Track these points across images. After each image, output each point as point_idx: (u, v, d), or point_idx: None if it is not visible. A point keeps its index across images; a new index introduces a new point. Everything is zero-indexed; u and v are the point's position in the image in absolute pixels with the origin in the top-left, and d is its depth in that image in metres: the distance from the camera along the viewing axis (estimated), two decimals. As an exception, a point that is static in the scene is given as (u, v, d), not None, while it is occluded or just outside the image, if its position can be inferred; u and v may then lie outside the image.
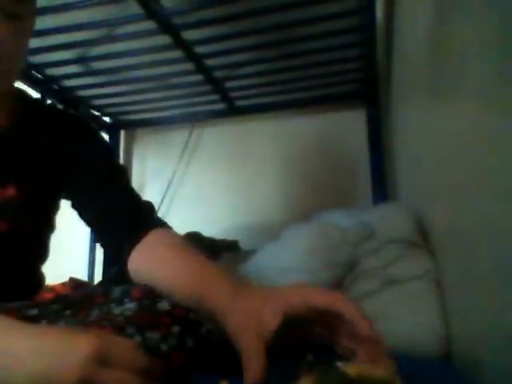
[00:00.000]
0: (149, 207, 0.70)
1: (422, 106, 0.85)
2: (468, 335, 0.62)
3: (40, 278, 0.77)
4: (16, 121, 0.70)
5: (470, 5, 0.53)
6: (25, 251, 0.72)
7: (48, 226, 0.76)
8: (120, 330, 0.48)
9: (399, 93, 1.17)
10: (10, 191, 0.66)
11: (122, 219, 0.66)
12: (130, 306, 0.53)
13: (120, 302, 0.54)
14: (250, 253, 1.11)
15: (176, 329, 0.51)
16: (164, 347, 0.49)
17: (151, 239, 0.63)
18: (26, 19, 0.64)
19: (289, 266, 0.86)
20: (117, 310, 0.52)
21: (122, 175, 0.74)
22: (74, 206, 0.72)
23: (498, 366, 0.49)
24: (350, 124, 1.60)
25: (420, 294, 0.78)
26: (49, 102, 1.43)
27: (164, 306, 0.53)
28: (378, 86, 1.48)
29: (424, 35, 0.79)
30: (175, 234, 0.66)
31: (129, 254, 0.63)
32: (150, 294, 0.55)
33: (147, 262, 0.61)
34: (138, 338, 0.48)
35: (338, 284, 0.86)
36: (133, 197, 0.70)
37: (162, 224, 0.68)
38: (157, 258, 0.60)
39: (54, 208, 0.77)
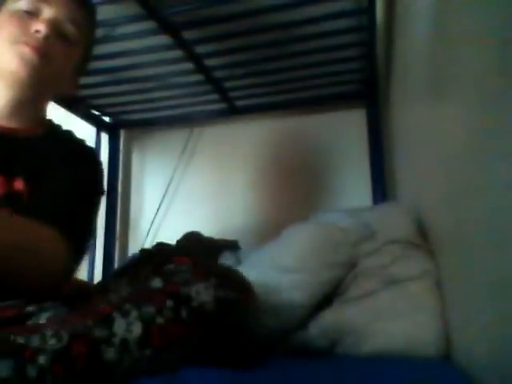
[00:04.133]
0: (78, 230, 0.74)
1: (422, 105, 0.85)
2: (468, 335, 0.62)
3: None
4: (44, 133, 0.82)
5: (470, 4, 0.53)
6: None
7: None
8: (117, 307, 0.52)
9: (399, 93, 1.17)
10: (18, 184, 0.73)
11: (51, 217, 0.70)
12: (125, 290, 0.59)
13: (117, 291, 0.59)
14: (250, 253, 1.12)
15: (170, 303, 0.54)
16: (160, 320, 0.53)
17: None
18: (77, 46, 0.80)
19: (289, 265, 0.86)
20: (113, 296, 0.57)
21: (91, 202, 0.81)
22: None
23: (498, 366, 0.49)
24: (350, 124, 1.60)
25: (420, 294, 0.79)
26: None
27: (156, 283, 0.58)
28: (378, 86, 1.48)
29: (424, 35, 0.79)
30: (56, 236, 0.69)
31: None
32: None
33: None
34: (134, 313, 0.51)
35: (338, 284, 0.86)
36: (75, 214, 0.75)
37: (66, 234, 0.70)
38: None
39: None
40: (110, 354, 0.48)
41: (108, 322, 0.50)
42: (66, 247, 0.68)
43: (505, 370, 0.47)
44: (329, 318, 0.82)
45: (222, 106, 1.63)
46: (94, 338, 0.48)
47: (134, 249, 1.71)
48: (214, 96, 1.55)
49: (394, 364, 0.70)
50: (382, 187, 1.47)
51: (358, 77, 1.47)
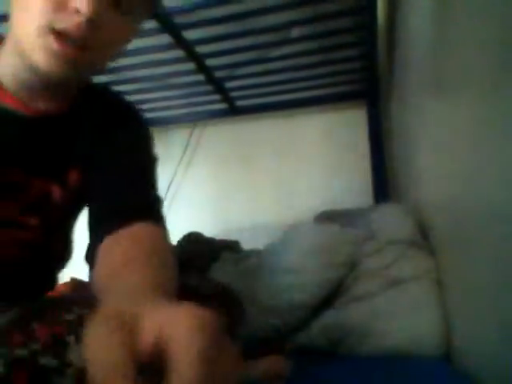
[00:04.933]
0: (152, 201, 0.62)
1: (424, 105, 0.85)
2: (468, 335, 0.62)
3: (54, 281, 0.74)
4: (70, 108, 0.63)
5: (472, 2, 0.53)
6: (50, 250, 0.67)
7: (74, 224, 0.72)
8: (71, 329, 0.40)
9: (400, 92, 1.17)
10: (52, 187, 0.61)
11: (114, 204, 0.59)
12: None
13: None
14: (250, 253, 1.11)
15: None
16: None
17: (129, 230, 0.54)
18: (131, 18, 0.56)
19: (289, 266, 0.86)
20: (75, 309, 0.44)
21: (145, 167, 0.66)
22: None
23: (497, 365, 0.49)
24: (351, 124, 1.60)
25: (420, 294, 0.78)
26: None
27: None
28: (379, 85, 1.48)
29: (425, 34, 0.79)
30: (159, 234, 0.57)
31: (101, 238, 0.54)
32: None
33: (103, 252, 0.53)
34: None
35: (339, 284, 0.86)
36: (140, 187, 0.62)
37: (156, 220, 0.58)
38: (111, 252, 0.52)
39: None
40: None
41: (59, 347, 0.38)
42: (166, 234, 0.57)
43: (504, 370, 0.47)
44: (330, 318, 0.82)
45: (223, 106, 1.63)
46: (39, 366, 0.37)
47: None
48: (215, 96, 1.55)
49: (395, 363, 0.70)
50: (383, 187, 1.47)
51: (358, 76, 1.46)
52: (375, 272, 0.85)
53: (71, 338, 0.39)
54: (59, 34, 0.50)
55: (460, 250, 0.64)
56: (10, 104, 0.58)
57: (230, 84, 1.48)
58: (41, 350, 0.37)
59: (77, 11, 0.49)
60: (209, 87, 1.47)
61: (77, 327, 0.40)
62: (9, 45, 0.57)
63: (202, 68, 1.32)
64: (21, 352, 0.36)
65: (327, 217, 1.08)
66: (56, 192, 0.62)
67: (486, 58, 0.48)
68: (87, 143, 0.64)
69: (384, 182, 1.47)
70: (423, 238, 0.88)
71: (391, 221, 0.93)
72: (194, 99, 1.60)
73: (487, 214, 0.50)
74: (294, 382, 0.60)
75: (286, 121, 1.70)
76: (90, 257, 0.55)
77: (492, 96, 0.47)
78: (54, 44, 0.50)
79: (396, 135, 1.29)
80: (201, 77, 1.39)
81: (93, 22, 0.50)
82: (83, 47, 0.52)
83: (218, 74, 1.40)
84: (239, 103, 1.63)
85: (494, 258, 0.49)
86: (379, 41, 1.25)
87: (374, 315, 0.79)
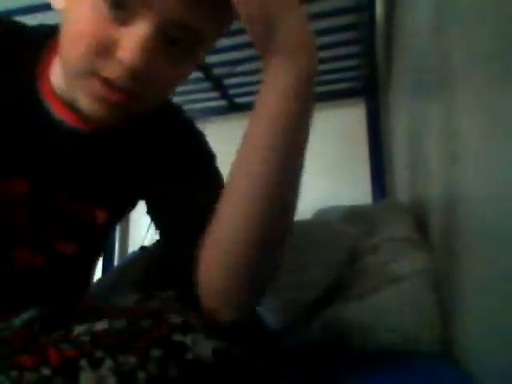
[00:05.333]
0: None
1: (423, 102, 0.85)
2: (467, 333, 0.62)
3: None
4: (132, 125, 0.55)
5: (471, 0, 0.53)
6: (78, 275, 0.64)
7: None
8: (84, 353, 0.38)
9: (399, 90, 1.17)
10: (99, 214, 0.56)
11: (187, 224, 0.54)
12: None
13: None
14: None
15: (157, 352, 0.39)
16: (141, 375, 0.37)
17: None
18: (194, 50, 0.48)
19: (288, 263, 0.86)
20: (82, 329, 0.41)
21: (207, 189, 0.59)
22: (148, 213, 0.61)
23: (497, 363, 0.49)
24: (350, 121, 1.60)
25: (419, 291, 0.78)
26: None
27: (145, 323, 0.41)
28: (378, 82, 1.48)
29: (424, 32, 0.79)
30: None
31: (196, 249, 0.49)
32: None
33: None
34: (108, 363, 0.37)
35: (338, 282, 0.86)
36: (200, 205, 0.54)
37: None
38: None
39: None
40: None
41: (71, 372, 0.36)
42: None
43: (504, 368, 0.47)
44: (329, 315, 0.82)
45: (221, 103, 1.63)
46: None
47: (133, 246, 1.71)
48: (214, 93, 1.55)
49: (392, 361, 0.70)
50: (381, 184, 1.47)
51: (357, 74, 1.46)
52: (374, 269, 0.85)
53: (83, 362, 0.37)
54: (105, 80, 0.44)
55: (460, 248, 0.64)
56: (61, 115, 0.52)
57: (228, 81, 1.48)
58: (51, 375, 0.35)
59: (121, 61, 0.43)
60: (208, 84, 1.47)
61: (90, 349, 0.38)
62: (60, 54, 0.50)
63: (200, 65, 1.32)
64: (31, 377, 0.35)
65: (325, 214, 1.08)
66: (101, 216, 0.57)
67: (488, 56, 0.48)
68: (147, 171, 0.58)
69: (383, 179, 1.48)
70: (422, 234, 0.88)
71: (390, 218, 0.94)
72: (193, 96, 1.60)
73: (487, 213, 0.50)
74: (293, 379, 0.60)
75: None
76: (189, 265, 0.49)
77: (492, 95, 0.47)
78: (98, 89, 0.45)
79: (394, 132, 1.29)
80: (199, 74, 1.39)
81: (139, 73, 0.44)
82: (131, 95, 0.46)
83: (217, 71, 1.40)
84: (238, 100, 1.63)
85: (493, 256, 0.49)
86: (378, 38, 1.25)
87: (373, 312, 0.79)
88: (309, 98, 0.47)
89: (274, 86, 0.45)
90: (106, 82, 0.44)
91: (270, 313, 0.83)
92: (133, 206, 0.64)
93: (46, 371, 0.35)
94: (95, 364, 0.36)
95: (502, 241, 0.46)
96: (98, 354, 0.37)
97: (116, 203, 0.58)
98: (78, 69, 0.45)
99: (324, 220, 0.97)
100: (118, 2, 0.42)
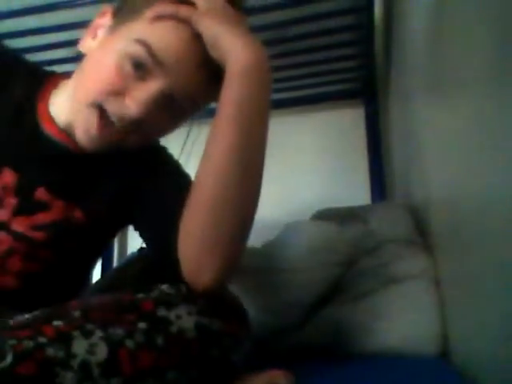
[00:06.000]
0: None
1: (422, 103, 0.85)
2: (466, 334, 0.62)
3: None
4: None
5: (470, 0, 0.53)
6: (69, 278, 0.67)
7: (101, 252, 0.73)
8: (76, 326, 0.42)
9: (398, 91, 1.17)
10: (77, 214, 0.61)
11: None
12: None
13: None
14: (248, 251, 1.11)
15: (142, 325, 0.45)
16: (130, 343, 0.43)
17: None
18: (189, 112, 0.63)
19: (286, 264, 0.86)
20: (76, 313, 0.45)
21: (180, 190, 0.63)
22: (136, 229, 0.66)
23: (496, 365, 0.49)
24: (349, 122, 1.60)
25: (418, 293, 0.78)
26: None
27: (131, 301, 0.48)
28: (377, 84, 1.48)
29: (423, 33, 0.79)
30: None
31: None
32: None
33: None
34: (98, 333, 0.42)
35: (337, 283, 0.86)
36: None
37: None
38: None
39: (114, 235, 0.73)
40: (67, 379, 0.38)
41: (65, 340, 0.40)
42: None
43: (503, 369, 0.47)
44: (327, 317, 0.82)
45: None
46: (46, 357, 0.38)
47: (132, 247, 1.71)
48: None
49: (392, 363, 0.70)
50: (380, 185, 1.47)
51: (356, 75, 1.46)
52: (373, 271, 0.85)
53: (76, 333, 0.41)
54: (103, 112, 0.53)
55: (459, 249, 0.64)
56: (57, 137, 0.59)
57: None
58: (47, 342, 0.39)
59: (128, 107, 0.52)
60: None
61: (82, 323, 0.43)
62: (70, 87, 0.58)
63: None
64: (28, 344, 0.38)
65: (324, 215, 1.07)
66: (77, 216, 0.61)
67: (487, 55, 0.48)
68: (119, 184, 0.64)
69: (381, 180, 1.47)
70: (421, 236, 0.88)
71: (389, 219, 0.93)
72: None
73: (487, 213, 0.50)
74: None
75: (283, 119, 1.69)
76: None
77: (492, 94, 0.47)
78: (94, 122, 0.53)
79: (393, 133, 1.29)
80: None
81: (140, 122, 0.54)
82: (125, 136, 0.55)
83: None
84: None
85: (493, 257, 0.49)
86: (376, 39, 1.25)
87: (372, 314, 0.79)
88: (259, 77, 0.52)
89: (230, 74, 0.52)
90: (104, 114, 0.53)
91: (268, 314, 0.83)
92: (120, 223, 0.68)
93: (42, 339, 0.39)
94: (87, 334, 0.42)
95: (502, 241, 0.46)
96: (89, 326, 0.42)
97: (94, 207, 0.62)
98: (87, 98, 0.53)
99: (323, 221, 0.97)
100: (140, 64, 0.52)
